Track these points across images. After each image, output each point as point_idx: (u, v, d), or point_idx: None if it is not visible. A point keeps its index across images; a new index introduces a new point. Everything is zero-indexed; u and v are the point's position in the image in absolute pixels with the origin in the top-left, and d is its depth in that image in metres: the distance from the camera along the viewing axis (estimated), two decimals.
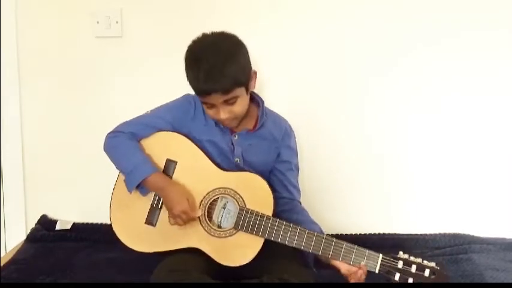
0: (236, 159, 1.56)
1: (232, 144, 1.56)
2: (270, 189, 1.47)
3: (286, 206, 1.62)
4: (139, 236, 1.53)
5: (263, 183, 1.47)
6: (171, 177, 1.53)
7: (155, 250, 1.51)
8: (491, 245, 1.86)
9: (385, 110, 1.97)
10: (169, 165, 1.54)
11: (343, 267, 1.42)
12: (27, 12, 2.00)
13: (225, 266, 1.46)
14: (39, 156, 2.08)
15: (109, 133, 1.58)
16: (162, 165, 1.54)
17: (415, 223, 1.98)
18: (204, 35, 1.48)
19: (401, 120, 1.97)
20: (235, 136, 1.57)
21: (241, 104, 1.48)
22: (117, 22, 1.96)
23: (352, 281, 1.41)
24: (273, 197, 1.46)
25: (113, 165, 1.55)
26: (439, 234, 1.93)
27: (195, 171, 1.52)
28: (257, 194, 1.46)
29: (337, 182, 2.02)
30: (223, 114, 1.46)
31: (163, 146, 1.55)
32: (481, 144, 1.95)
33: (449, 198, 1.98)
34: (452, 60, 1.91)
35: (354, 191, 2.02)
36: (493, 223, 1.96)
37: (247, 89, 1.49)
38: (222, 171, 1.51)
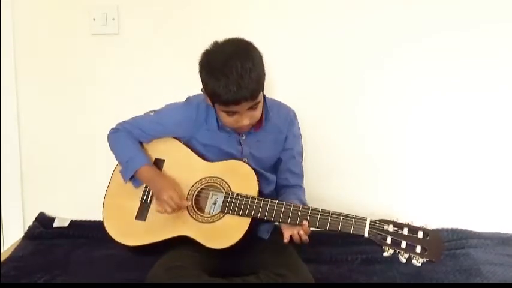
0: (244, 160, 1.55)
1: (240, 144, 1.56)
2: (253, 172, 1.50)
3: (284, 191, 1.62)
4: (130, 231, 1.56)
5: (247, 168, 1.51)
6: None
7: (145, 242, 1.53)
8: (489, 239, 1.86)
9: (384, 107, 1.96)
10: (158, 163, 1.60)
11: (285, 233, 1.44)
12: (24, 10, 1.99)
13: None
14: (36, 153, 2.08)
15: (111, 128, 1.64)
16: None
17: (413, 218, 1.98)
18: (219, 44, 1.44)
19: (400, 115, 1.97)
20: (242, 136, 1.56)
21: (260, 107, 1.48)
22: (113, 19, 1.96)
23: (296, 241, 1.42)
24: (258, 179, 1.50)
25: (110, 162, 1.63)
26: (437, 229, 1.93)
27: (182, 166, 1.58)
28: (242, 178, 1.51)
29: (336, 179, 2.02)
30: (246, 120, 1.45)
31: (152, 147, 1.63)
32: (478, 140, 1.95)
33: (446, 194, 1.98)
34: (452, 58, 1.90)
35: (353, 187, 2.01)
36: (490, 218, 1.96)
37: (262, 92, 1.49)
38: (208, 162, 1.56)
